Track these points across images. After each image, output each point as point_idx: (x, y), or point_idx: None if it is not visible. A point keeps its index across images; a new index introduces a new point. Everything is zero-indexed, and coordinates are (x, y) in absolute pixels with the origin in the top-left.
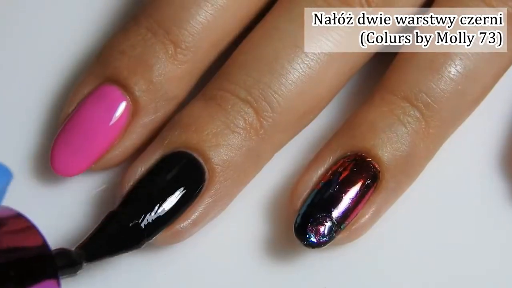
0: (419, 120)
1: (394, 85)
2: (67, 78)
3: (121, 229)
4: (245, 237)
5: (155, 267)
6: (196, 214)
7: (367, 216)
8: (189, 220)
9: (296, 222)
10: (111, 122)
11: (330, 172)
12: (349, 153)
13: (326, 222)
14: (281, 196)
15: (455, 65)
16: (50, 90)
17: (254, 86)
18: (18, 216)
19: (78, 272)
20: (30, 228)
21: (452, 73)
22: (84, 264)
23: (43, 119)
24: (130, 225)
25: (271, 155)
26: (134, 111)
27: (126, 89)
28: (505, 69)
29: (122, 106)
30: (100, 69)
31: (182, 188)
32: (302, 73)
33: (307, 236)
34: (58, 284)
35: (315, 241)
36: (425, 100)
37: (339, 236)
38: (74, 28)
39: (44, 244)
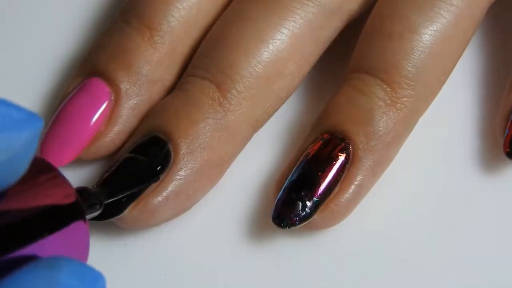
0: (379, 85)
1: (355, 63)
2: (60, 80)
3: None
4: (244, 237)
5: (154, 268)
6: (168, 189)
7: (350, 191)
8: (160, 196)
9: (272, 212)
10: (93, 109)
11: (302, 157)
12: (319, 135)
13: (299, 200)
14: None
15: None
16: (45, 94)
17: (210, 63)
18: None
19: (98, 212)
20: (56, 176)
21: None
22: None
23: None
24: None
25: (247, 130)
26: (116, 97)
27: (106, 77)
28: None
29: (103, 92)
30: (83, 67)
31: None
32: (254, 40)
33: (282, 219)
34: (85, 223)
35: (291, 221)
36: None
37: (323, 214)
38: (70, 29)
39: (73, 192)
